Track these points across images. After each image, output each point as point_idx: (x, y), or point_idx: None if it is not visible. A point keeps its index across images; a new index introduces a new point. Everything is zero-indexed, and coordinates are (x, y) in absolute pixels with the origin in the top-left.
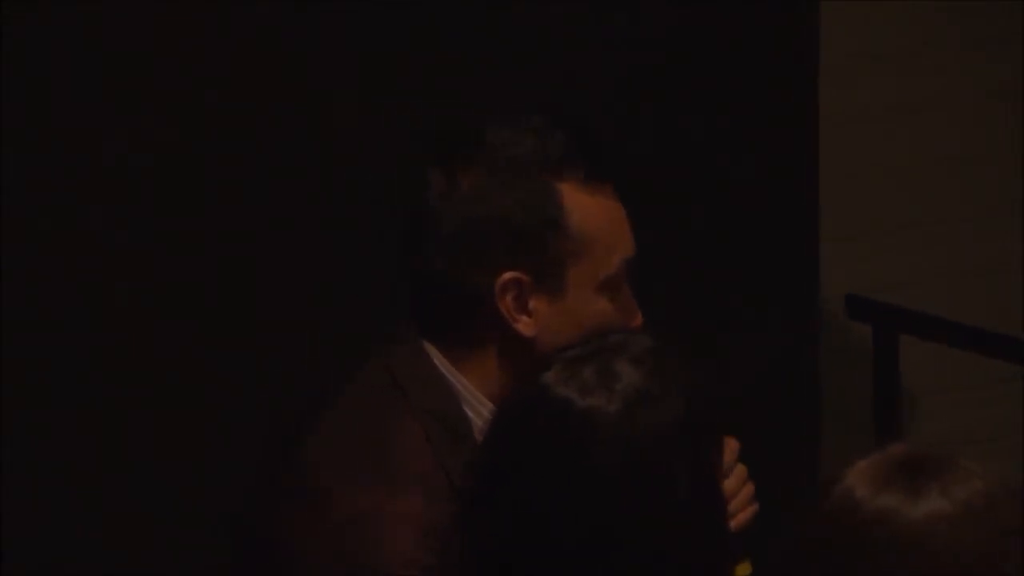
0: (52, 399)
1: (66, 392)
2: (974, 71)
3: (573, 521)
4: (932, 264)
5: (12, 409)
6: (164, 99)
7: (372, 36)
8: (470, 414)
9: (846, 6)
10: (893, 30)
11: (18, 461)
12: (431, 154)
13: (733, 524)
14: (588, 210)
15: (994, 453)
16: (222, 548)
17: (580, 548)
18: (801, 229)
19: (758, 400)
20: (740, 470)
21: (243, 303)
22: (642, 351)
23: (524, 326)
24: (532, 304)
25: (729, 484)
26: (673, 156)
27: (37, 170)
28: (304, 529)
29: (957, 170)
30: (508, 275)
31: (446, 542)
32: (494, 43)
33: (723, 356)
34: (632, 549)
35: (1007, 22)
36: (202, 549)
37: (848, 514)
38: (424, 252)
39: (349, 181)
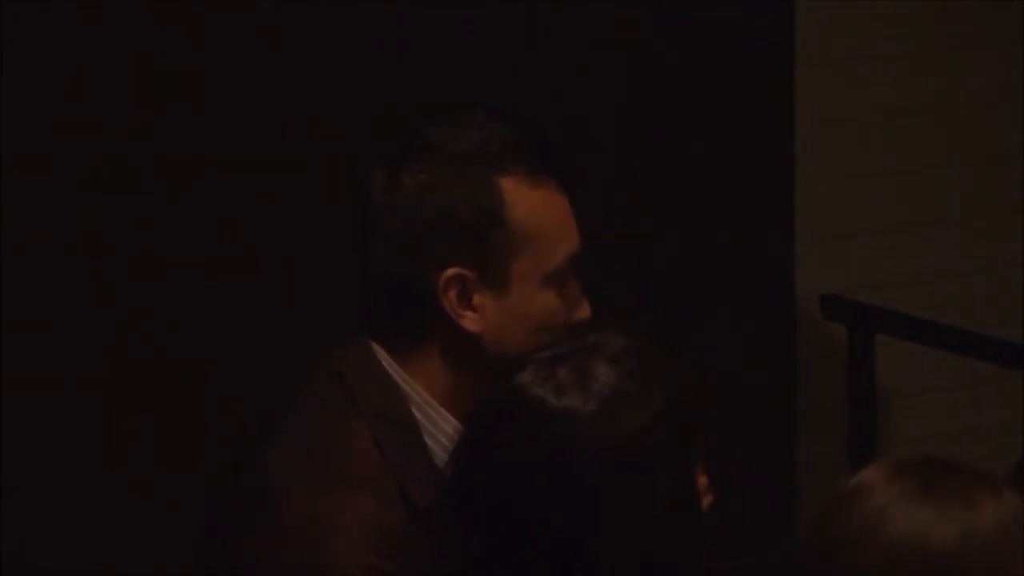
0: (52, 399)
1: (65, 392)
2: (952, 73)
3: (552, 522)
4: (911, 266)
5: (12, 409)
6: (163, 99)
7: (368, 35)
8: (417, 414)
9: (826, 6)
10: (873, 31)
11: (18, 461)
12: (377, 155)
13: None
14: (531, 204)
15: (971, 455)
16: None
17: (560, 548)
18: (776, 229)
19: (733, 399)
20: None
21: (242, 302)
22: (618, 350)
23: (469, 322)
24: (476, 300)
25: None
26: (650, 157)
27: (37, 170)
28: (257, 534)
29: (934, 172)
30: (451, 271)
31: (399, 545)
32: (488, 42)
33: (698, 355)
34: (613, 549)
35: (992, 23)
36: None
37: (879, 524)
38: (370, 251)
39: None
